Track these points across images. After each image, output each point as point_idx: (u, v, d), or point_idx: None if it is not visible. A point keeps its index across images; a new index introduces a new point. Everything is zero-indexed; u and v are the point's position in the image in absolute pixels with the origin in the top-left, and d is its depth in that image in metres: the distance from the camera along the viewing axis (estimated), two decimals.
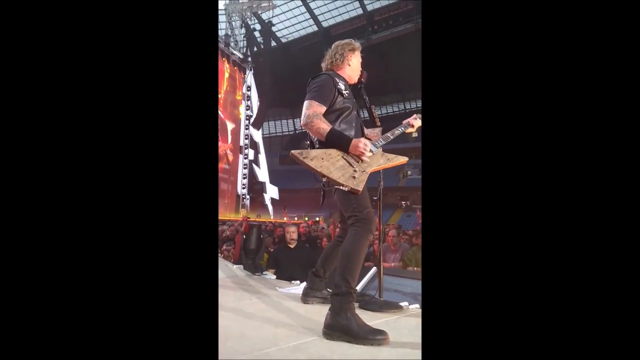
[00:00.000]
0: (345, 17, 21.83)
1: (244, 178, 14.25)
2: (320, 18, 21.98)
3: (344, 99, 1.71)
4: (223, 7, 16.71)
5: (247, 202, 14.45)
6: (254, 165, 14.88)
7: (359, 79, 1.89)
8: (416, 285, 2.23)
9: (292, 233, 3.60)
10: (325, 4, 20.98)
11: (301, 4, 20.89)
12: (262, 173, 15.35)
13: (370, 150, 1.58)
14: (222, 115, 13.37)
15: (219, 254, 4.31)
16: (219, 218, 9.36)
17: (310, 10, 21.47)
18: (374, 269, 2.42)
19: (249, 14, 17.31)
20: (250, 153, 14.67)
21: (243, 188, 14.24)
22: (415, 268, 3.46)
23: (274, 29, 21.03)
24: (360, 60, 1.89)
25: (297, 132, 28.12)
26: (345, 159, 1.55)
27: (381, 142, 1.69)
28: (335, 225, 2.12)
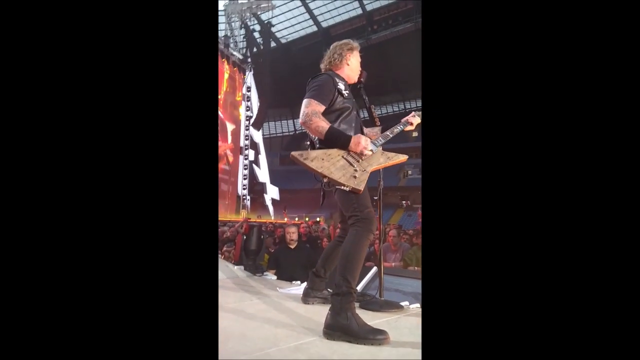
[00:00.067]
0: (345, 17, 21.84)
1: (245, 179, 14.24)
2: (320, 18, 21.99)
3: (343, 99, 1.71)
4: (222, 8, 16.72)
5: (248, 203, 14.44)
6: (254, 165, 14.88)
7: (359, 79, 1.89)
8: (417, 285, 2.23)
9: (292, 234, 3.60)
10: (325, 4, 20.98)
11: (300, 4, 20.90)
12: (263, 174, 15.35)
13: (370, 149, 1.58)
14: (222, 116, 13.37)
15: (220, 255, 4.31)
16: (220, 219, 9.37)
17: (309, 11, 21.48)
18: (374, 268, 2.42)
19: (248, 14, 17.31)
20: (251, 154, 14.67)
21: (243, 189, 14.23)
22: (415, 268, 3.46)
23: (273, 29, 21.04)
24: (359, 60, 1.89)
25: (297, 132, 28.12)
26: (345, 158, 1.55)
27: (381, 140, 1.69)
28: (336, 226, 2.12)
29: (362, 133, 1.82)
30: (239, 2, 16.88)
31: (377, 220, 1.75)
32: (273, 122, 29.50)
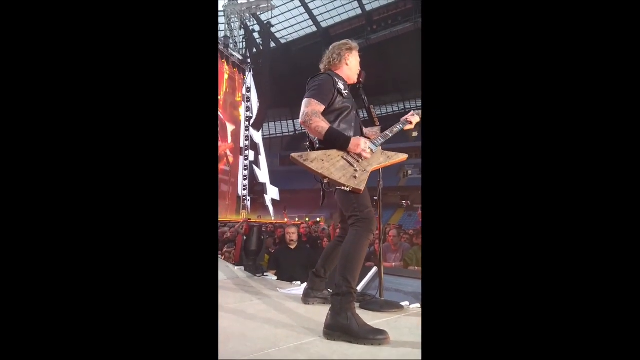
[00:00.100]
0: (344, 17, 21.84)
1: (245, 179, 14.25)
2: (319, 18, 21.99)
3: (343, 98, 1.71)
4: (222, 9, 16.71)
5: (248, 203, 14.45)
6: (254, 166, 14.89)
7: (358, 79, 1.89)
8: (417, 285, 2.23)
9: (292, 234, 3.60)
10: (324, 4, 20.99)
11: (300, 4, 20.90)
12: (263, 174, 15.36)
13: (370, 149, 1.58)
14: (222, 117, 13.37)
15: (220, 256, 4.31)
16: (220, 220, 9.37)
17: (309, 11, 21.48)
18: (374, 268, 2.42)
19: (247, 15, 17.32)
20: (251, 154, 14.67)
21: (244, 189, 14.24)
22: (416, 267, 3.46)
23: (273, 29, 21.05)
24: (358, 60, 1.89)
25: (297, 132, 28.13)
26: (345, 159, 1.55)
27: (380, 140, 1.68)
28: (336, 226, 2.12)
29: (362, 133, 1.82)
30: (239, 2, 16.89)
31: (377, 220, 1.75)
32: (273, 123, 29.50)
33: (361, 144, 1.55)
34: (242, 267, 2.96)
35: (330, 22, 22.16)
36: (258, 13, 17.91)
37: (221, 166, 13.26)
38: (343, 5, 21.00)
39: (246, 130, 14.45)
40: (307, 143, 1.76)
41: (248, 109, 14.56)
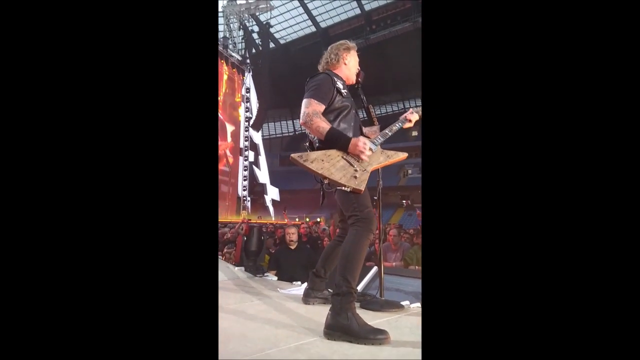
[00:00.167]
0: (343, 17, 21.82)
1: (245, 180, 14.25)
2: (318, 19, 21.98)
3: (342, 97, 1.72)
4: (221, 10, 16.71)
5: (248, 204, 14.45)
6: (254, 167, 14.88)
7: (357, 79, 1.89)
8: (417, 284, 2.23)
9: (292, 234, 3.60)
10: (323, 4, 20.98)
11: (299, 4, 20.90)
12: (263, 175, 15.35)
13: (370, 149, 1.58)
14: (221, 118, 13.36)
15: (221, 256, 4.31)
16: (220, 220, 9.36)
17: (308, 11, 21.47)
18: (375, 268, 2.41)
19: (246, 15, 17.31)
20: (251, 155, 14.67)
21: (244, 190, 14.24)
22: (416, 267, 3.46)
23: (272, 30, 21.03)
24: (356, 60, 1.89)
25: (297, 132, 28.12)
26: (345, 159, 1.55)
27: (380, 139, 1.68)
28: (336, 226, 2.12)
29: (361, 132, 1.82)
30: (237, 3, 16.88)
31: (377, 220, 1.75)
32: (273, 123, 29.48)
33: (360, 144, 1.55)
34: (243, 268, 2.96)
35: (330, 22, 22.15)
36: (257, 13, 17.90)
37: (221, 167, 13.25)
38: (342, 5, 20.99)
39: (246, 131, 14.45)
40: (307, 143, 1.76)
41: (247, 109, 14.55)
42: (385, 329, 1.37)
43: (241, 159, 14.36)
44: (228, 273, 2.80)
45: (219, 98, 12.99)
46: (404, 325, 1.61)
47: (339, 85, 1.72)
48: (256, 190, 15.62)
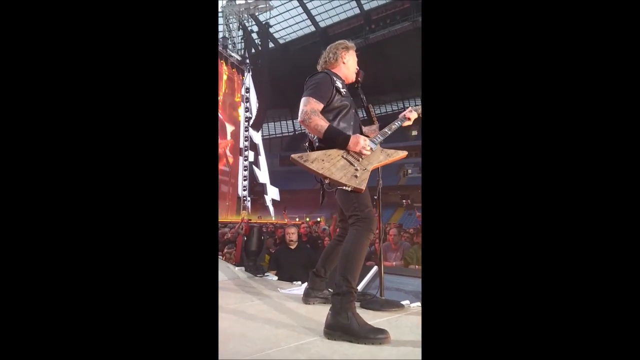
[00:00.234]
0: (343, 17, 21.81)
1: (245, 180, 14.24)
2: (318, 18, 21.97)
3: (341, 96, 1.72)
4: (220, 10, 16.69)
5: (248, 204, 14.44)
6: (254, 167, 14.88)
7: (356, 79, 1.89)
8: (417, 284, 2.23)
9: (292, 234, 3.60)
10: (322, 4, 20.96)
11: (298, 4, 20.88)
12: (263, 175, 15.34)
13: (370, 147, 1.58)
14: (221, 118, 13.35)
15: (221, 256, 4.31)
16: (220, 220, 9.36)
17: (307, 11, 21.46)
18: (375, 268, 2.41)
19: (246, 15, 17.30)
20: (250, 155, 14.66)
21: (244, 190, 14.23)
22: (416, 266, 3.46)
23: (271, 30, 21.02)
24: (355, 59, 1.89)
25: (296, 132, 28.11)
26: (345, 158, 1.54)
27: (379, 138, 1.68)
28: (336, 225, 2.11)
29: (361, 131, 1.82)
30: (237, 3, 16.87)
31: (377, 220, 1.75)
32: (272, 123, 29.47)
33: (360, 142, 1.55)
34: (243, 268, 2.96)
35: (329, 22, 22.14)
36: (256, 13, 17.89)
37: (221, 166, 13.25)
38: (341, 5, 20.98)
39: (245, 131, 14.44)
40: (307, 143, 1.76)
41: (247, 109, 14.55)
42: (385, 328, 1.37)
43: (241, 159, 14.35)
44: (228, 273, 2.80)
45: (218, 98, 12.98)
46: (404, 324, 1.61)
47: (338, 84, 1.72)
48: (256, 190, 15.62)
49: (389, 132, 1.75)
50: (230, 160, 14.12)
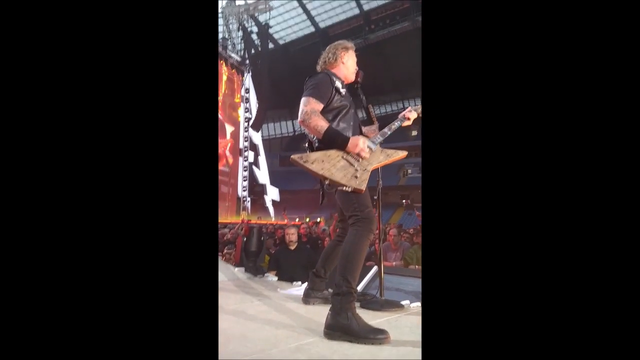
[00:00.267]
0: (342, 17, 21.81)
1: (245, 180, 14.24)
2: (317, 19, 21.97)
3: (341, 97, 1.72)
4: (220, 10, 16.69)
5: (248, 204, 14.44)
6: (254, 167, 14.87)
7: (356, 79, 1.89)
8: (417, 284, 2.22)
9: (291, 235, 3.60)
10: (322, 5, 20.96)
11: (298, 5, 20.89)
12: (263, 175, 15.34)
13: (369, 148, 1.58)
14: (220, 118, 13.35)
15: (221, 257, 4.30)
16: (220, 221, 9.35)
17: (307, 11, 21.46)
18: (375, 268, 2.41)
19: (245, 16, 17.30)
20: (250, 155, 14.66)
21: (243, 191, 14.23)
22: (416, 266, 3.46)
23: (271, 30, 21.02)
24: (355, 59, 1.89)
25: (296, 133, 28.10)
26: (345, 159, 1.54)
27: (379, 138, 1.68)
28: (336, 226, 2.11)
29: (361, 131, 1.82)
30: (236, 3, 16.88)
31: (377, 220, 1.75)
32: (272, 124, 29.45)
33: (360, 143, 1.55)
34: (243, 268, 2.96)
35: (329, 23, 22.13)
36: (256, 14, 17.89)
37: (220, 167, 13.24)
38: (341, 5, 20.98)
39: (245, 132, 14.44)
40: (306, 144, 1.76)
41: (247, 110, 14.55)
42: (385, 328, 1.37)
43: (241, 159, 14.35)
44: (228, 274, 2.80)
45: (218, 98, 12.98)
46: (404, 324, 1.61)
47: (338, 84, 1.72)
48: (256, 190, 15.61)
49: (389, 133, 1.75)
50: (230, 160, 14.11)
